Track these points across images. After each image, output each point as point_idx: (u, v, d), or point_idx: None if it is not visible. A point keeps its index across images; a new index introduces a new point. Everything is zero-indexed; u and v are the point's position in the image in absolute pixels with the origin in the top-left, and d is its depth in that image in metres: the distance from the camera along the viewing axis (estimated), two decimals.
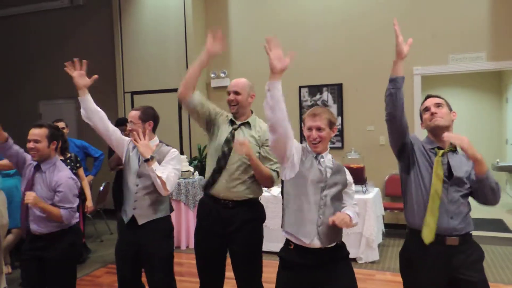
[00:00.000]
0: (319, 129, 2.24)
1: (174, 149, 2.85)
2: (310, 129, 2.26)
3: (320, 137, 2.24)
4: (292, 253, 2.23)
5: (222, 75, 6.67)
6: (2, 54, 8.28)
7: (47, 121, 3.06)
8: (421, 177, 2.19)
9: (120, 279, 2.89)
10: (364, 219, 4.62)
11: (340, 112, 6.16)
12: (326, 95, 6.24)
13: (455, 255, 2.10)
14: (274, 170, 2.66)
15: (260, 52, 6.51)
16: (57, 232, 2.80)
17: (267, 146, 2.65)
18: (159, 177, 2.60)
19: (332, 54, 6.20)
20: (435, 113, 2.21)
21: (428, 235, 2.11)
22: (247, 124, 2.76)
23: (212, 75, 6.72)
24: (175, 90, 6.53)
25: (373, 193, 4.92)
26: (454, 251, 2.11)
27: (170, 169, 2.70)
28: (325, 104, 6.20)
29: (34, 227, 2.77)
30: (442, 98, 2.31)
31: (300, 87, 6.35)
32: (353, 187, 2.37)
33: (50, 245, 2.78)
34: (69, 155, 4.52)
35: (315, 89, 6.29)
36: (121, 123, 4.57)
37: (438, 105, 2.25)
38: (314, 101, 6.27)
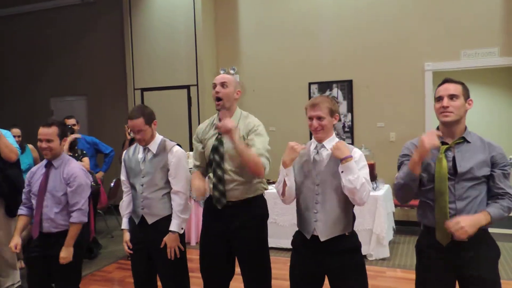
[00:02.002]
0: (319, 118, 2.28)
1: (177, 146, 2.83)
2: (311, 118, 2.31)
3: (321, 125, 2.28)
4: (298, 237, 2.39)
5: (232, 71, 6.67)
6: (14, 51, 8.37)
7: (56, 118, 3.08)
8: (425, 177, 2.14)
9: (136, 279, 2.89)
10: (375, 216, 4.60)
11: (350, 109, 6.13)
12: (336, 92, 6.21)
13: (464, 251, 2.06)
14: (263, 156, 2.50)
15: (270, 47, 6.54)
16: (66, 231, 2.85)
17: (252, 133, 2.57)
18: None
19: (342, 51, 6.16)
20: (447, 106, 2.08)
21: (443, 238, 2.08)
22: None
23: (222, 72, 6.71)
24: (185, 86, 6.68)
25: (383, 190, 4.89)
26: (463, 247, 2.06)
27: (183, 175, 2.74)
28: (335, 100, 6.17)
29: (46, 225, 2.84)
30: (460, 84, 2.15)
31: (310, 84, 6.32)
32: (359, 157, 2.26)
33: (58, 243, 2.83)
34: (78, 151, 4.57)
35: (325, 86, 6.26)
36: None
37: (452, 96, 2.09)
38: None
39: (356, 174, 2.15)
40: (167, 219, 2.77)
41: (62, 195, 2.83)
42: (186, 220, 2.79)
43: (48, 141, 2.80)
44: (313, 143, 2.37)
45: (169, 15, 6.66)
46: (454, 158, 2.09)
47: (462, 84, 2.16)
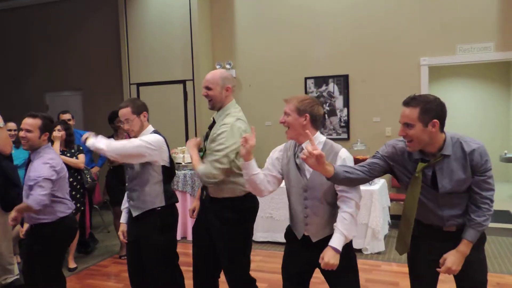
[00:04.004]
0: (285, 113, 2.27)
1: (153, 133, 2.82)
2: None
3: (285, 121, 2.26)
4: (290, 232, 2.41)
5: (228, 66, 6.65)
6: (9, 45, 8.31)
7: (50, 113, 3.10)
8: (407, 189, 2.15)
9: (129, 269, 2.93)
10: (370, 210, 4.62)
11: (346, 104, 6.14)
12: (332, 86, 6.21)
13: (454, 238, 2.10)
14: (215, 161, 2.48)
15: (266, 42, 6.53)
16: (39, 225, 2.86)
17: (214, 142, 2.54)
18: (100, 148, 2.57)
19: (338, 45, 6.15)
20: (403, 135, 2.01)
21: (402, 250, 2.19)
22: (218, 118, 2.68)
23: (218, 66, 6.70)
24: (180, 81, 6.67)
25: (379, 185, 4.91)
26: (452, 235, 2.12)
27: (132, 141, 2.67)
28: (331, 95, 6.18)
29: (25, 218, 2.92)
30: (419, 106, 1.92)
31: (306, 78, 6.32)
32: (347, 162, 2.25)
33: (34, 237, 2.89)
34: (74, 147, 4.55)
35: (321, 80, 6.26)
36: (114, 117, 4.67)
37: (407, 125, 1.97)
38: (320, 92, 6.25)
39: (352, 230, 2.14)
40: (149, 213, 2.78)
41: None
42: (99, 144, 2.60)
43: (27, 131, 2.79)
44: (296, 144, 2.33)
45: (164, 9, 6.62)
46: (434, 173, 2.05)
47: (423, 104, 1.93)
